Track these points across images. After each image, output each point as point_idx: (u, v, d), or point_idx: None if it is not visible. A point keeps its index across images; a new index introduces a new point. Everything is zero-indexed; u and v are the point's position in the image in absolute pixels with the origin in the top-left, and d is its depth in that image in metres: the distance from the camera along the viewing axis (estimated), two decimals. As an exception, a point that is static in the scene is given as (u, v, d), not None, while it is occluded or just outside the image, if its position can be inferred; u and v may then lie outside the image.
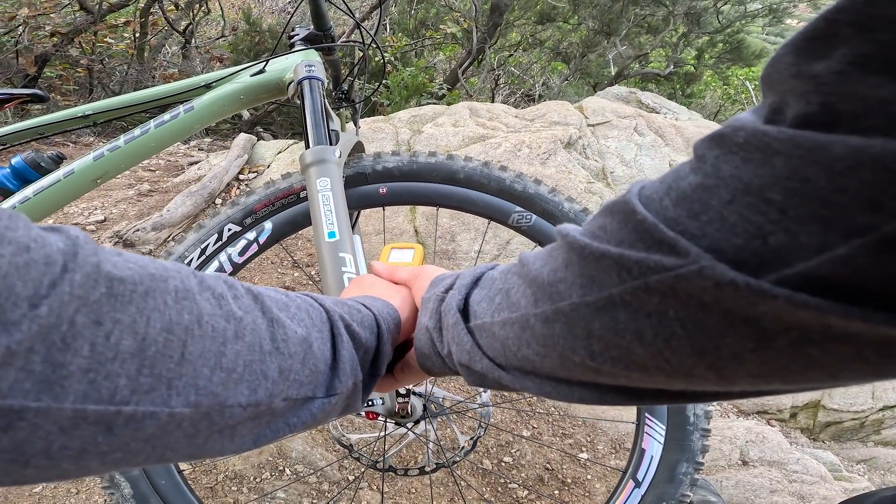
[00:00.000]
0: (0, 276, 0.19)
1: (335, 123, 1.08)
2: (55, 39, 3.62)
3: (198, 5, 4.20)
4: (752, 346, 0.22)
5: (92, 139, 3.24)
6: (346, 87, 1.30)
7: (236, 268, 1.02)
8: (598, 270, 0.26)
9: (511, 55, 4.45)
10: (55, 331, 0.20)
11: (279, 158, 1.96)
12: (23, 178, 1.16)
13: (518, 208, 1.04)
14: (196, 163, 2.08)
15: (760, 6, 6.00)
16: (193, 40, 4.13)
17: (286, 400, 0.31)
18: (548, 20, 4.28)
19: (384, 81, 3.14)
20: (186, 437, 0.26)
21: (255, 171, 1.91)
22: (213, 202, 1.74)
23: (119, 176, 1.74)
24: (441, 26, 3.77)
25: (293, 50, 1.13)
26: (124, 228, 1.57)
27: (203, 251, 1.00)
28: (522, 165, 1.78)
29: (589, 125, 2.19)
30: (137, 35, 3.90)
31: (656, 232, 0.23)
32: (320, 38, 1.16)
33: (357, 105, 1.32)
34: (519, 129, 1.97)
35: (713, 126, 2.57)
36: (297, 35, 1.15)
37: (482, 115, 2.03)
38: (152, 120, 1.12)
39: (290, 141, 2.08)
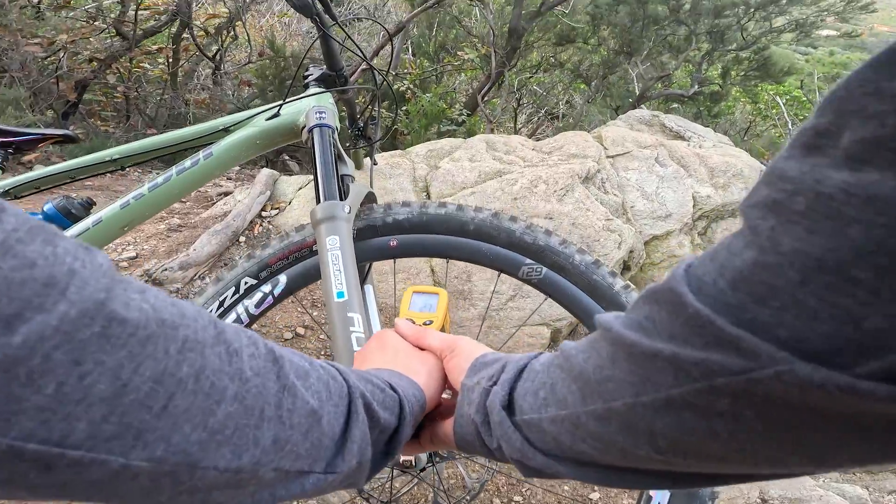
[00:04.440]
0: None
1: (348, 167, 1.10)
2: (94, 65, 3.78)
3: (226, 31, 4.35)
4: (852, 437, 0.19)
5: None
6: (361, 124, 1.33)
7: (252, 319, 1.04)
8: (650, 370, 0.24)
9: (531, 76, 4.45)
10: (22, 364, 0.19)
11: (300, 195, 2.01)
12: (54, 224, 1.23)
13: (528, 261, 1.03)
14: (224, 194, 2.15)
15: (786, 21, 5.85)
16: (223, 66, 4.27)
17: (276, 470, 0.29)
18: (567, 41, 4.27)
19: (401, 111, 3.17)
20: (143, 491, 0.24)
21: (277, 208, 1.97)
22: (238, 240, 1.80)
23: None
24: (459, 52, 3.80)
25: (307, 91, 1.16)
26: (153, 267, 1.64)
27: (221, 303, 1.03)
28: (539, 203, 1.77)
29: (608, 156, 2.16)
30: (171, 61, 4.05)
31: (713, 328, 0.20)
32: (333, 78, 1.18)
33: (373, 143, 1.34)
34: (536, 163, 1.96)
35: (740, 155, 2.50)
36: (311, 75, 1.17)
37: (499, 149, 2.03)
38: (174, 167, 1.16)
39: (311, 176, 2.14)
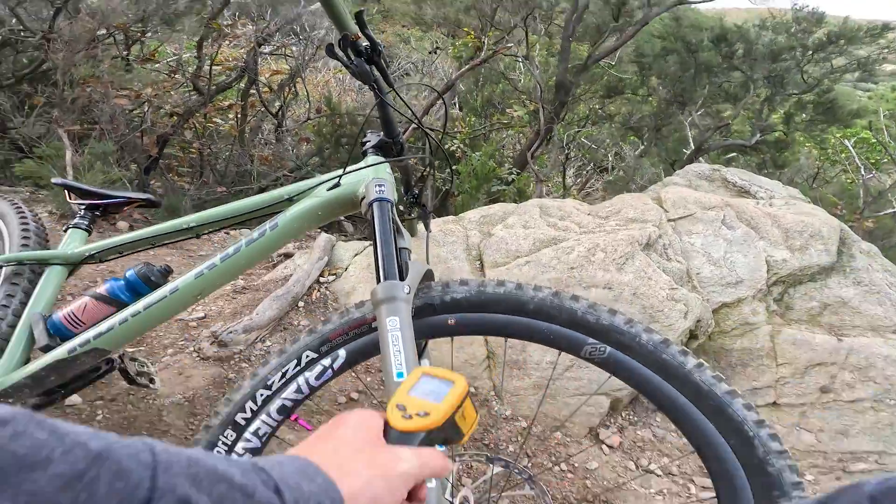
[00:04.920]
0: None
1: (405, 239, 1.12)
2: (174, 120, 4.08)
3: (287, 88, 4.65)
4: None
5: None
6: (416, 191, 1.36)
7: (312, 390, 1.05)
8: None
9: (580, 130, 4.45)
10: None
11: (356, 261, 2.05)
12: (135, 290, 1.30)
13: (591, 340, 0.99)
14: (285, 255, 2.24)
15: (846, 61, 5.61)
16: (284, 122, 4.53)
17: None
18: (615, 93, 4.25)
19: (454, 178, 3.22)
20: None
21: (334, 274, 2.02)
22: (297, 305, 1.86)
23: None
24: (507, 109, 3.88)
25: (365, 160, 1.19)
26: (220, 329, 1.71)
27: (283, 374, 1.05)
28: (597, 272, 1.72)
29: (669, 220, 2.07)
30: (239, 117, 4.35)
31: None
32: (390, 145, 1.20)
33: (428, 212, 1.36)
34: (593, 229, 1.91)
35: (816, 212, 2.33)
36: (369, 142, 1.21)
37: (553, 214, 2.00)
38: (244, 238, 1.22)
39: (367, 242, 2.20)
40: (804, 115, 5.28)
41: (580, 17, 3.93)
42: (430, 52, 5.36)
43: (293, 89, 4.62)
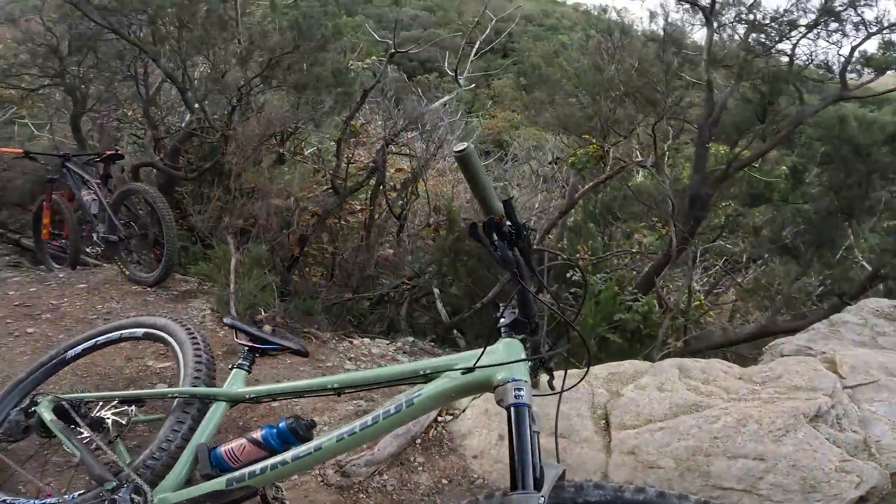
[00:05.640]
0: None
1: (536, 423, 1.09)
2: (314, 220, 4.49)
3: (410, 189, 4.94)
4: None
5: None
6: (545, 357, 1.32)
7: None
8: None
9: (714, 241, 4.06)
10: None
11: (474, 405, 2.05)
12: (284, 440, 1.43)
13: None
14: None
15: None
16: (405, 224, 4.79)
17: None
18: (760, 200, 3.79)
19: (571, 309, 3.11)
20: None
21: (451, 414, 2.06)
22: (414, 442, 1.91)
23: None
24: (635, 234, 3.67)
25: (500, 339, 1.18)
26: (343, 460, 1.80)
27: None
28: (747, 443, 1.52)
29: (846, 387, 1.77)
30: (367, 220, 4.69)
31: None
32: (525, 325, 1.18)
33: (561, 392, 1.31)
34: (744, 396, 1.70)
35: None
36: (504, 320, 1.20)
37: (694, 376, 1.83)
38: (381, 410, 1.29)
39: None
40: None
41: (717, 120, 3.71)
42: (549, 163, 5.51)
43: (415, 189, 4.94)
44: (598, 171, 3.39)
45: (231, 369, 1.65)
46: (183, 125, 4.71)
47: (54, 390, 2.14)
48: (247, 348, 1.69)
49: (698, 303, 3.69)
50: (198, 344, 1.83)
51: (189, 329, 1.92)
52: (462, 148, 0.96)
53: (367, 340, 3.42)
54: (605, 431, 1.71)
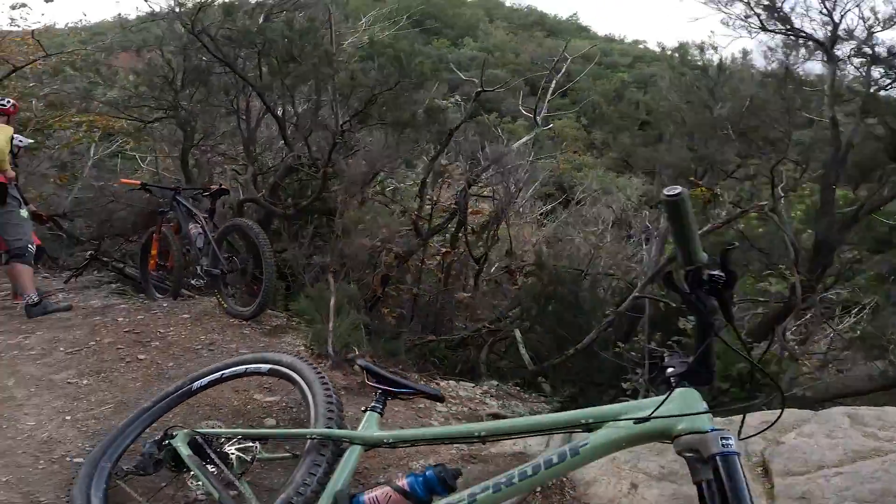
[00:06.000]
0: None
1: None
2: (396, 261, 4.51)
3: (490, 232, 4.93)
4: None
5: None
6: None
7: None
8: None
9: (829, 289, 3.65)
10: None
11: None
12: (430, 488, 1.39)
13: None
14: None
15: None
16: (484, 269, 4.75)
17: None
18: (889, 245, 3.45)
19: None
20: None
21: None
22: (534, 491, 1.84)
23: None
24: (760, 284, 3.37)
25: (672, 390, 1.10)
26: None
27: None
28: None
29: None
30: (446, 263, 4.70)
31: None
32: (702, 376, 1.12)
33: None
34: None
35: None
36: (672, 369, 1.14)
37: (869, 424, 1.71)
38: (542, 459, 1.22)
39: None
40: None
41: (844, 159, 3.50)
42: (636, 209, 5.42)
43: (496, 232, 4.90)
44: (704, 216, 3.23)
45: (364, 412, 1.66)
46: (281, 162, 4.85)
47: (171, 421, 2.14)
48: (379, 391, 1.70)
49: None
50: (327, 384, 1.85)
51: (316, 368, 1.96)
52: (675, 193, 0.94)
53: (452, 383, 3.38)
54: (763, 478, 1.62)
